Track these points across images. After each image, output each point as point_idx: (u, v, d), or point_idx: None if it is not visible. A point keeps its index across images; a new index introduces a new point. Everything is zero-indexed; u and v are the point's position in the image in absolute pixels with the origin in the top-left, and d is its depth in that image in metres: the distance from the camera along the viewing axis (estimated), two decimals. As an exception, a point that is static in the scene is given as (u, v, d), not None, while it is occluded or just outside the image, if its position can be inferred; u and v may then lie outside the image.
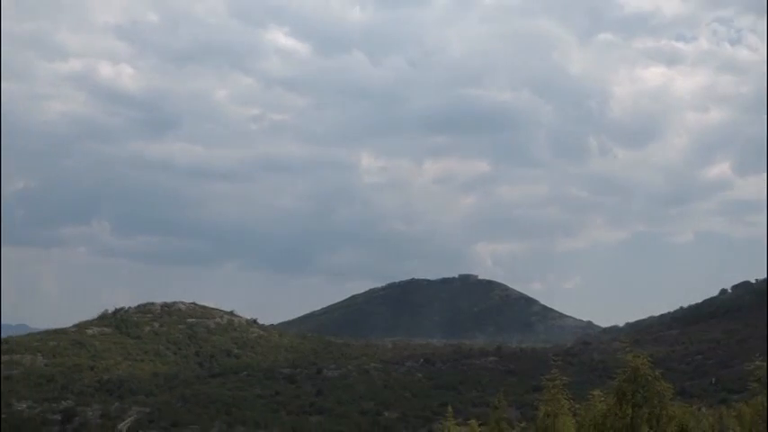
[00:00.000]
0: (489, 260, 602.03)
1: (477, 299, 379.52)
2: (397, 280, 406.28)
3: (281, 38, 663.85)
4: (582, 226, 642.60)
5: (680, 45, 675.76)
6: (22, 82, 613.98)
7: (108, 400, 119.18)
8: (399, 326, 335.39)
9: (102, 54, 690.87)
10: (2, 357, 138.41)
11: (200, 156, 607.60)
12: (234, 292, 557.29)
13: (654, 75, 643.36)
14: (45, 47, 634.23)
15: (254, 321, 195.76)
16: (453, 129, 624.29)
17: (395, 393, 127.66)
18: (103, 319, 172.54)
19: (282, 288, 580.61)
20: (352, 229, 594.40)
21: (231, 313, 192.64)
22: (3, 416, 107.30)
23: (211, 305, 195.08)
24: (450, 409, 27.92)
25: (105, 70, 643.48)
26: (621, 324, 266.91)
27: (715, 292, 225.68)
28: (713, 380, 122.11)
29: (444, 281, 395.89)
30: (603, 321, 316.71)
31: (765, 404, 19.98)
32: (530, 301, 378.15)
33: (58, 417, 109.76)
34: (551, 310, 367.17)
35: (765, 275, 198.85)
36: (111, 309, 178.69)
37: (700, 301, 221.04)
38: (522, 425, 25.27)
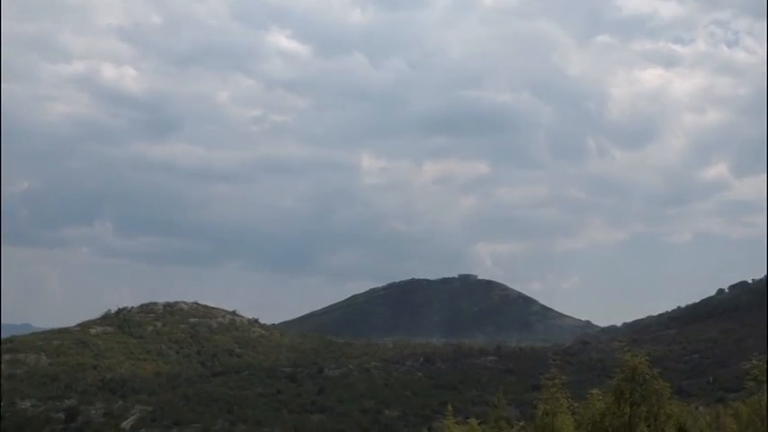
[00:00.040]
0: (489, 260, 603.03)
1: (476, 299, 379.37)
2: (397, 280, 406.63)
3: (282, 40, 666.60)
4: (581, 226, 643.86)
5: (677, 47, 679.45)
6: (25, 83, 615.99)
7: (111, 399, 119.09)
8: (399, 325, 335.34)
9: (105, 56, 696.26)
10: (6, 356, 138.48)
11: (201, 157, 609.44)
12: (235, 291, 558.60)
13: (652, 76, 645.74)
14: (48, 48, 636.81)
15: (256, 321, 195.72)
16: (453, 130, 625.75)
17: (395, 392, 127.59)
18: (106, 318, 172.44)
19: (284, 288, 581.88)
20: (352, 230, 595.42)
21: (233, 313, 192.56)
22: (6, 414, 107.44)
23: (213, 305, 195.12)
24: (449, 407, 27.90)
25: (108, 72, 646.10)
26: (620, 324, 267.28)
27: (712, 292, 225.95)
28: (710, 379, 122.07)
29: (444, 281, 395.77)
30: (602, 321, 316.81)
31: (765, 401, 19.98)
32: (529, 301, 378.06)
33: (62, 415, 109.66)
34: (550, 309, 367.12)
35: (764, 275, 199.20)
36: (113, 308, 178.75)
37: (697, 300, 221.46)
38: (522, 423, 25.25)
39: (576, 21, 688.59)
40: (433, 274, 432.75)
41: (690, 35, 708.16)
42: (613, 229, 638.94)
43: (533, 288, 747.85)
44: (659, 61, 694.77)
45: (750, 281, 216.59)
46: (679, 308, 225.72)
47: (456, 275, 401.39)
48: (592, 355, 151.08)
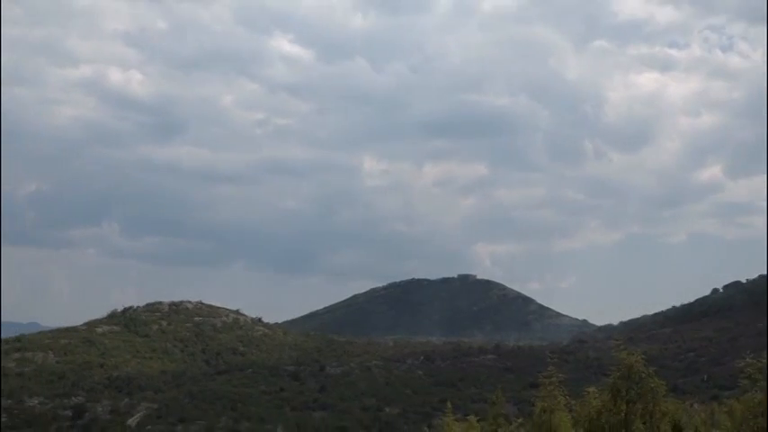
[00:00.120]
0: (488, 260, 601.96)
1: (475, 298, 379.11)
2: (397, 280, 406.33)
3: (285, 45, 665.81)
4: (578, 227, 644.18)
5: (673, 52, 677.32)
6: (33, 87, 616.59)
7: (117, 397, 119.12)
8: (400, 324, 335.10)
9: (112, 60, 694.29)
10: (15, 355, 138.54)
11: (206, 159, 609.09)
12: (239, 291, 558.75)
13: (648, 80, 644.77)
14: (56, 53, 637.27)
15: (259, 320, 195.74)
16: (453, 133, 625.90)
17: (396, 390, 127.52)
18: (113, 317, 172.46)
19: (286, 288, 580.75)
20: (354, 231, 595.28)
21: (237, 312, 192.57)
22: (15, 412, 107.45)
23: (218, 304, 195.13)
24: (449, 405, 27.87)
25: (115, 76, 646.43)
26: (616, 323, 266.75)
27: (707, 292, 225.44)
28: (705, 377, 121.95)
29: (444, 281, 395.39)
30: (599, 320, 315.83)
31: (765, 398, 19.95)
32: (527, 301, 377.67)
33: (69, 413, 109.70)
34: (548, 309, 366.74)
35: (759, 275, 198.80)
36: (120, 308, 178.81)
37: (692, 300, 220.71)
38: (520, 420, 25.22)
39: (574, 26, 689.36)
40: (433, 274, 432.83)
41: (685, 40, 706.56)
42: (610, 230, 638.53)
43: (531, 288, 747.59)
44: (655, 65, 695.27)
45: (744, 281, 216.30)
46: (674, 307, 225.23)
47: (455, 275, 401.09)
48: (589, 354, 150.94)
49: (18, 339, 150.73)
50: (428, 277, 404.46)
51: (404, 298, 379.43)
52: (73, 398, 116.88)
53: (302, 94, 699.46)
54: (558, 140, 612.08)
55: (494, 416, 24.95)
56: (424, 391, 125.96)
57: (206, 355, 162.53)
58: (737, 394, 23.52)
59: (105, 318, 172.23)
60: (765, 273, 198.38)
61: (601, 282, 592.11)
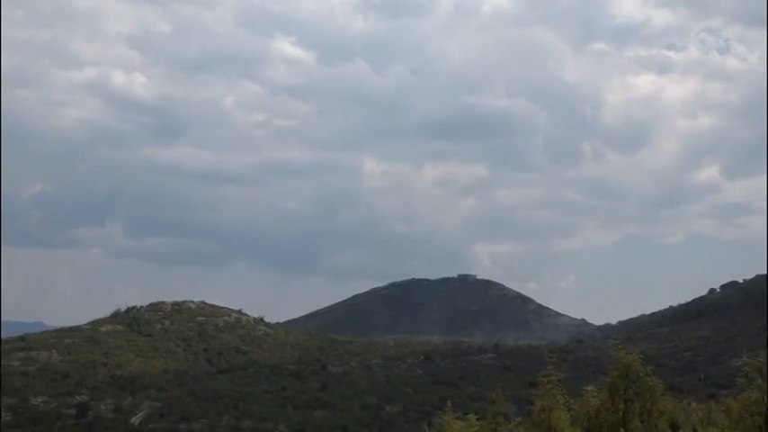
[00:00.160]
0: (487, 261, 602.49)
1: (475, 298, 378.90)
2: (398, 280, 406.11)
3: (286, 47, 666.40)
4: (576, 228, 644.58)
5: (670, 54, 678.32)
6: (38, 89, 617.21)
7: (120, 395, 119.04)
8: (400, 324, 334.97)
9: (116, 63, 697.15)
10: (20, 354, 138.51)
11: (209, 160, 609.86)
12: (242, 291, 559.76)
13: (645, 82, 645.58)
14: (60, 55, 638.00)
15: (261, 319, 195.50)
16: (453, 134, 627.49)
17: (396, 389, 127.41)
18: (116, 317, 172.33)
19: (288, 287, 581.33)
20: (355, 231, 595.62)
21: (239, 312, 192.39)
22: (19, 410, 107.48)
23: (220, 304, 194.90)
24: (449, 403, 27.86)
25: (118, 78, 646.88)
26: (614, 322, 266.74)
27: (704, 292, 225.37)
28: (702, 376, 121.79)
29: (444, 281, 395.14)
30: (597, 319, 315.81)
31: (765, 397, 19.96)
32: (526, 300, 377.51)
33: (73, 411, 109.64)
34: (547, 308, 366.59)
35: (761, 274, 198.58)
36: (123, 307, 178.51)
37: (689, 300, 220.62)
38: (519, 419, 25.21)
39: (572, 28, 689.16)
40: (433, 274, 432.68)
41: (682, 42, 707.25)
42: (608, 231, 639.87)
43: (530, 288, 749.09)
44: (653, 67, 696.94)
45: (741, 281, 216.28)
46: (672, 307, 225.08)
47: (455, 275, 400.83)
48: (587, 353, 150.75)
49: (22, 338, 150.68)
50: (428, 277, 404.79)
51: (404, 298, 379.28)
52: (77, 396, 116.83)
53: (303, 95, 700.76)
54: (557, 142, 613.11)
55: (493, 414, 24.93)
56: (424, 390, 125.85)
57: (208, 355, 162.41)
58: (734, 393, 23.51)
59: (109, 317, 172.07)
60: (763, 273, 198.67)
61: (599, 282, 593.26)
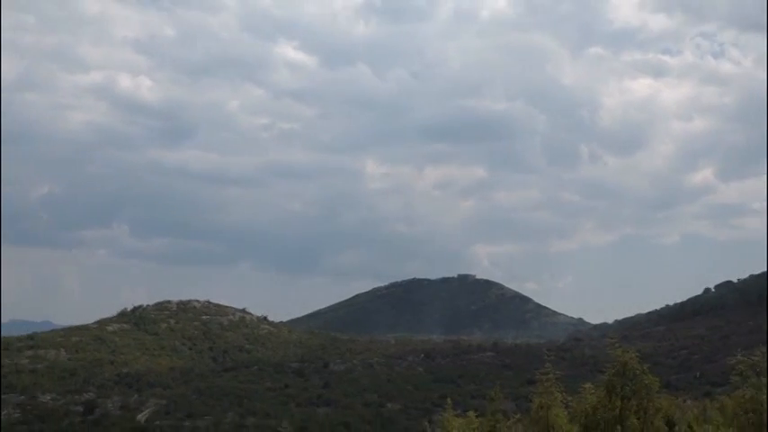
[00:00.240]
0: (486, 261, 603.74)
1: (475, 297, 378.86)
2: (399, 279, 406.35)
3: (289, 51, 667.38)
4: (574, 229, 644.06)
5: (666, 58, 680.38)
6: (46, 93, 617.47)
7: (127, 393, 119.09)
8: (401, 323, 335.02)
9: (122, 66, 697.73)
10: (28, 352, 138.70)
11: (214, 162, 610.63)
12: (246, 291, 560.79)
13: (641, 86, 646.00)
14: (67, 60, 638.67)
15: (265, 318, 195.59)
16: (453, 137, 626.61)
17: (397, 386, 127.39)
18: (123, 316, 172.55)
19: (291, 287, 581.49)
20: (356, 232, 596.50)
21: (243, 311, 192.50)
22: (28, 407, 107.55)
23: (224, 303, 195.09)
24: (449, 401, 27.80)
25: (125, 82, 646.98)
26: (611, 321, 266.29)
27: (699, 291, 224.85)
28: (698, 374, 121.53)
29: (444, 280, 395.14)
30: (594, 318, 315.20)
31: (765, 395, 19.94)
32: (525, 300, 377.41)
33: (80, 408, 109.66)
34: (545, 307, 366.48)
35: (755, 274, 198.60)
36: (129, 307, 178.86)
37: (685, 299, 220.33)
38: (517, 416, 25.17)
39: (570, 33, 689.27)
40: (434, 274, 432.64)
41: (678, 47, 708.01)
42: (605, 232, 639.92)
43: (529, 287, 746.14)
44: (649, 71, 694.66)
45: (735, 280, 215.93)
46: (667, 306, 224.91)
47: (455, 275, 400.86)
48: (584, 351, 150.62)
49: (31, 337, 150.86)
50: (428, 277, 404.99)
51: (405, 297, 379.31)
52: (84, 394, 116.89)
53: (306, 99, 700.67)
54: (555, 144, 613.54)
55: (492, 412, 24.88)
56: (424, 388, 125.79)
57: (213, 353, 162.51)
58: (729, 391, 23.47)
59: (115, 316, 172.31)
60: (757, 272, 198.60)
61: (596, 281, 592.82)
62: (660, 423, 21.62)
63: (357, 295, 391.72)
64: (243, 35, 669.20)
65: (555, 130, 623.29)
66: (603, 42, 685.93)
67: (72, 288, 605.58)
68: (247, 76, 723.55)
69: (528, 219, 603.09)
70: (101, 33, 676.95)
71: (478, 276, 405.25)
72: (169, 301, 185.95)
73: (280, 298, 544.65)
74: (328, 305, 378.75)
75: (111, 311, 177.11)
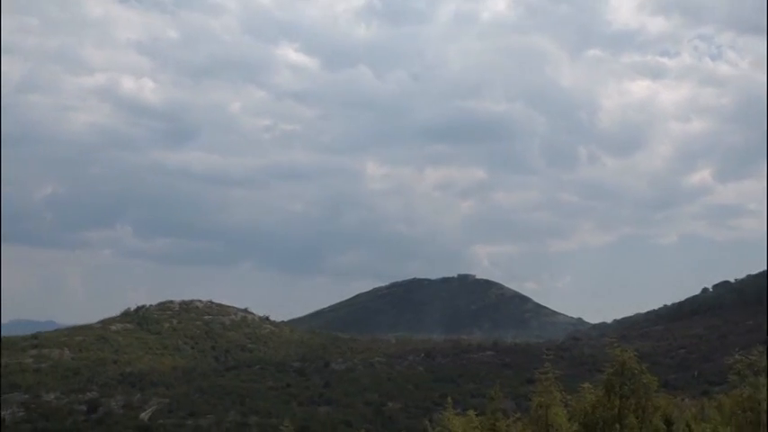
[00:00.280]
0: (486, 261, 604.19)
1: (474, 297, 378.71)
2: (399, 279, 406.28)
3: (291, 53, 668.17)
4: (573, 229, 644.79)
5: (664, 60, 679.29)
6: (50, 94, 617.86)
7: (130, 392, 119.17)
8: (402, 322, 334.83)
9: (125, 68, 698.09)
10: (32, 352, 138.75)
11: (216, 164, 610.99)
12: (248, 290, 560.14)
13: (640, 88, 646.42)
14: (71, 62, 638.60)
15: (267, 318, 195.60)
16: (453, 138, 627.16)
17: (398, 385, 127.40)
18: (126, 315, 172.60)
19: (293, 287, 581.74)
20: (357, 232, 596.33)
21: (245, 310, 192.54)
22: (32, 406, 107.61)
23: (227, 303, 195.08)
24: (449, 400, 27.82)
25: (128, 84, 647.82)
26: (610, 321, 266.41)
27: (697, 291, 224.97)
28: (695, 373, 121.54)
29: (444, 280, 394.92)
30: (593, 318, 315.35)
31: (762, 393, 19.95)
32: (524, 300, 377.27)
33: (84, 407, 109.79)
34: (544, 307, 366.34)
35: (752, 273, 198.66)
36: (133, 306, 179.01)
37: (683, 299, 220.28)
38: (517, 415, 25.19)
39: (569, 35, 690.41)
40: (434, 274, 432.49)
41: (676, 49, 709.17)
42: (604, 232, 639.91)
43: (528, 287, 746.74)
44: (647, 73, 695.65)
45: (733, 280, 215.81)
46: (666, 306, 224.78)
47: (455, 275, 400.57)
48: (583, 351, 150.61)
49: (35, 337, 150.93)
50: (429, 277, 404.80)
51: (405, 297, 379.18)
52: (88, 393, 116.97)
53: (307, 100, 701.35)
54: (554, 145, 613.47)
55: (492, 410, 24.89)
56: (425, 387, 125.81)
57: (215, 352, 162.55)
58: (726, 390, 23.52)
59: (119, 316, 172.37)
60: (754, 272, 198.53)
61: (595, 281, 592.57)
62: (658, 422, 21.63)
63: (358, 295, 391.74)
64: (245, 37, 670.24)
65: (554, 132, 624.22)
66: (602, 44, 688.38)
67: (76, 288, 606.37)
68: (249, 77, 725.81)
69: (527, 219, 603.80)
70: (104, 36, 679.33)
71: (478, 276, 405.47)
72: (172, 301, 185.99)
73: (281, 298, 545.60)
74: (329, 305, 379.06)
75: (114, 311, 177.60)
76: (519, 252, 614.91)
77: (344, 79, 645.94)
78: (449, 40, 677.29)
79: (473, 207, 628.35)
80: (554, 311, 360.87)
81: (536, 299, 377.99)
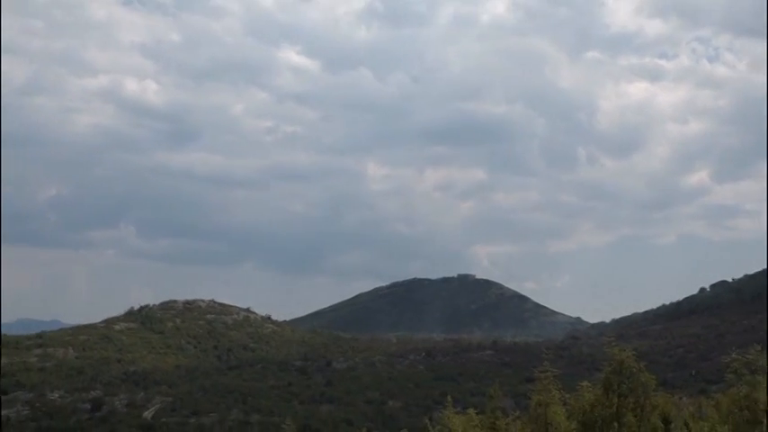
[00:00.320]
0: (486, 261, 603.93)
1: (474, 297, 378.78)
2: (400, 279, 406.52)
3: (292, 56, 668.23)
4: (572, 229, 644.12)
5: (662, 62, 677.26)
6: (54, 96, 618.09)
7: (134, 391, 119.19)
8: (402, 322, 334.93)
9: (129, 71, 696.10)
10: (37, 351, 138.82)
11: (219, 165, 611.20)
12: (250, 290, 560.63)
13: (638, 89, 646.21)
14: (75, 64, 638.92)
15: (269, 318, 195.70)
16: (453, 140, 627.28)
17: (398, 384, 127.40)
18: (130, 315, 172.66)
19: (294, 287, 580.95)
20: (358, 233, 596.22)
21: (247, 310, 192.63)
22: (37, 404, 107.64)
23: (229, 303, 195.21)
24: (449, 398, 27.80)
25: (131, 86, 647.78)
26: (608, 320, 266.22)
27: (695, 291, 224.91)
28: (693, 372, 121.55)
29: (444, 280, 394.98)
30: (591, 317, 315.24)
31: (759, 392, 19.96)
32: (523, 299, 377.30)
33: (88, 405, 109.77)
34: (543, 307, 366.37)
35: (750, 273, 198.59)
36: (136, 306, 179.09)
37: (681, 298, 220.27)
38: (516, 413, 25.18)
39: (568, 37, 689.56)
40: (434, 274, 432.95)
41: (673, 51, 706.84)
42: (602, 232, 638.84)
43: (528, 287, 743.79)
44: (645, 75, 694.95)
45: (730, 280, 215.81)
46: (664, 305, 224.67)
47: (455, 275, 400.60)
48: (582, 350, 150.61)
49: (40, 336, 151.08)
50: (429, 277, 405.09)
51: (406, 297, 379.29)
52: (91, 392, 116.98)
53: (309, 102, 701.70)
54: (554, 147, 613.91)
55: (492, 409, 24.89)
56: (425, 386, 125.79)
57: (218, 351, 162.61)
58: (724, 388, 23.48)
59: (122, 315, 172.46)
60: (751, 272, 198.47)
61: (594, 281, 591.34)
62: (656, 420, 21.62)
63: (359, 295, 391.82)
64: (247, 40, 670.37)
65: (553, 133, 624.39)
66: (601, 47, 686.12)
67: (80, 288, 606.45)
68: (251, 79, 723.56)
69: (527, 220, 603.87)
70: (107, 38, 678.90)
71: (478, 276, 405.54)
72: (175, 301, 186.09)
73: (283, 297, 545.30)
74: (331, 304, 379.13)
75: (118, 311, 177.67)
76: (518, 252, 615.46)
77: (346, 81, 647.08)
78: (449, 42, 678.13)
79: (473, 208, 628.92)
80: (553, 311, 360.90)
81: (535, 298, 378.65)
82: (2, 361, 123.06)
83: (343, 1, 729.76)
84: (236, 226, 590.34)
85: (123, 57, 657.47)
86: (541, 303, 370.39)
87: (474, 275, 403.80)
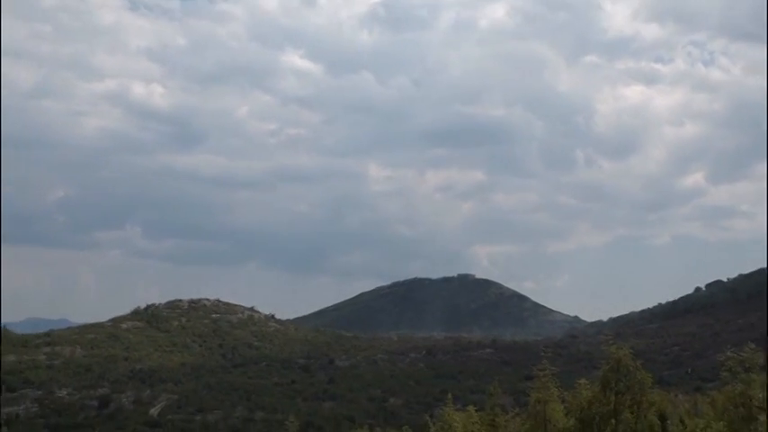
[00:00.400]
0: (486, 261, 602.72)
1: (474, 296, 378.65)
2: (401, 279, 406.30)
3: (296, 59, 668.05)
4: (570, 230, 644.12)
5: (658, 66, 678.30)
6: (62, 100, 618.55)
7: (140, 388, 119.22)
8: (404, 321, 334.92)
9: (135, 74, 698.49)
10: (45, 349, 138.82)
11: (224, 167, 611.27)
12: (254, 289, 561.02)
13: (635, 93, 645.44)
14: (83, 68, 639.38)
15: (272, 316, 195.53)
16: (453, 142, 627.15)
17: (400, 382, 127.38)
18: (136, 314, 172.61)
19: (297, 286, 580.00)
20: (360, 233, 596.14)
21: (251, 309, 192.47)
22: (45, 402, 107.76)
23: (233, 302, 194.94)
24: (449, 396, 27.88)
25: (138, 89, 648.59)
26: (605, 319, 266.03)
27: (690, 290, 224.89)
28: (689, 370, 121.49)
29: (445, 280, 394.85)
30: (589, 316, 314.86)
31: (754, 390, 19.99)
32: (522, 299, 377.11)
33: (95, 403, 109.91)
34: (542, 306, 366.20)
35: (744, 273, 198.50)
36: (142, 305, 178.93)
37: (677, 298, 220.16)
38: (516, 410, 25.23)
39: (566, 42, 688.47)
40: (435, 274, 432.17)
41: (669, 55, 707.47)
42: (600, 233, 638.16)
43: (526, 286, 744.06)
44: (641, 79, 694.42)
45: (725, 280, 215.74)
46: (660, 304, 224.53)
47: (455, 275, 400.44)
48: (580, 348, 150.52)
49: (48, 334, 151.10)
50: (430, 277, 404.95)
51: (407, 296, 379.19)
52: (99, 389, 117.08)
53: (312, 105, 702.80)
54: (552, 149, 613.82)
55: (491, 406, 24.95)
56: (426, 383, 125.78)
57: (223, 350, 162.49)
58: (719, 386, 23.50)
59: (129, 314, 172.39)
60: (746, 272, 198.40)
61: (591, 281, 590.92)
62: (653, 417, 21.67)
63: (361, 294, 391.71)
64: (251, 44, 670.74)
65: (552, 136, 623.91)
66: (598, 51, 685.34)
67: (87, 287, 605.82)
68: (256, 83, 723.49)
69: (526, 220, 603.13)
70: (115, 43, 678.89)
71: (478, 276, 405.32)
72: (180, 300, 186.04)
73: (287, 297, 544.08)
74: (333, 304, 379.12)
75: (124, 310, 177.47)
76: (518, 252, 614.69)
77: (348, 85, 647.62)
78: (449, 46, 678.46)
79: (473, 208, 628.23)
80: (551, 310, 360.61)
81: (534, 298, 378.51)
82: (11, 359, 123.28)
83: (345, 5, 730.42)
84: (241, 226, 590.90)
85: (130, 61, 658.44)
86: (540, 303, 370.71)
87: (474, 275, 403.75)
